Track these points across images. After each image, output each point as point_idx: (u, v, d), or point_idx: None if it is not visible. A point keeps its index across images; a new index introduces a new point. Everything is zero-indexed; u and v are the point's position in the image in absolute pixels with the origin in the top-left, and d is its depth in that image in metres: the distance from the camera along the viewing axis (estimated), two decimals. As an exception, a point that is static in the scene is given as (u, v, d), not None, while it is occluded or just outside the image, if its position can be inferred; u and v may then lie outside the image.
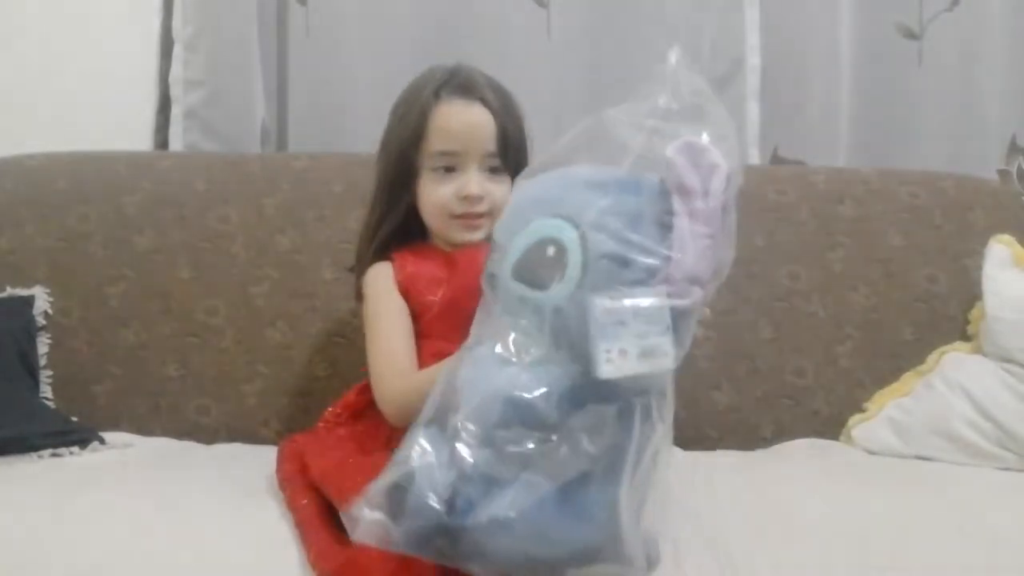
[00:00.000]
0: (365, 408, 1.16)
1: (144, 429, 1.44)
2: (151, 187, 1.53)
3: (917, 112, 1.79)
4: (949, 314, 1.50)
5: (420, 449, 0.80)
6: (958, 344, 1.46)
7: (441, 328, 1.12)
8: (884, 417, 1.41)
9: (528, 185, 0.92)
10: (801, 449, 1.42)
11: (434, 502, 0.78)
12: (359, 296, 1.21)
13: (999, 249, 1.45)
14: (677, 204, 0.82)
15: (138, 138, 1.73)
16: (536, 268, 0.83)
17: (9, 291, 1.46)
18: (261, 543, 0.99)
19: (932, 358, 1.45)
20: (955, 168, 1.68)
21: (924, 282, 1.52)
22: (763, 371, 1.48)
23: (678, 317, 0.82)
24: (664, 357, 0.81)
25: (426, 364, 1.10)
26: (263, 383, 1.46)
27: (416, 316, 1.16)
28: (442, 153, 1.15)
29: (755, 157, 1.78)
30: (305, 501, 1.04)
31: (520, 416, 0.80)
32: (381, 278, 1.18)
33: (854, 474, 1.28)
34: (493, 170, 1.16)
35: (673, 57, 0.87)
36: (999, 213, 1.56)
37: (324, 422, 1.22)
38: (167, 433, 1.44)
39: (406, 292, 1.16)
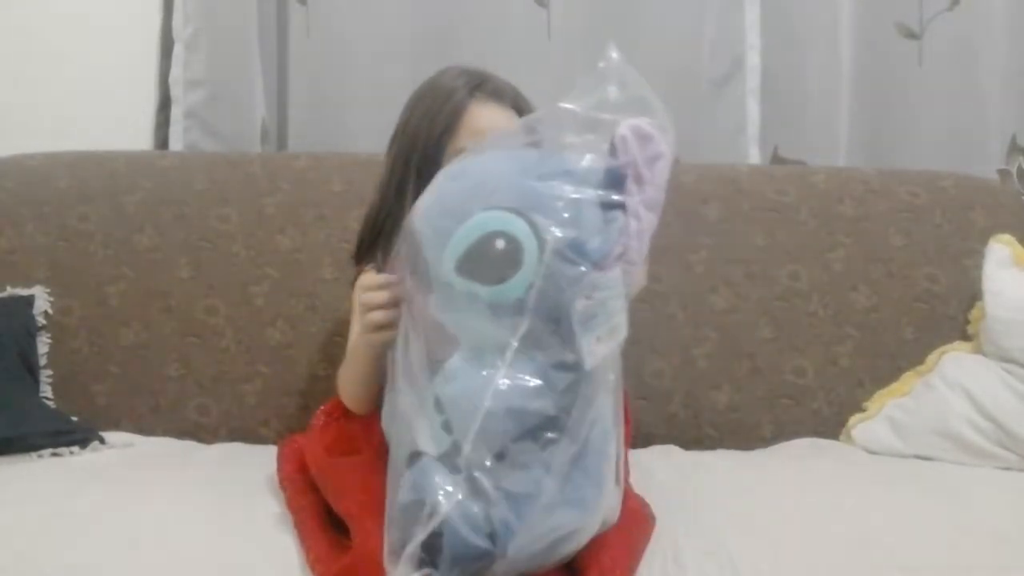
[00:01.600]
0: None
1: (144, 429, 1.44)
2: (151, 186, 1.53)
3: (917, 111, 1.79)
4: (949, 314, 1.50)
5: (443, 491, 0.78)
6: (958, 344, 1.46)
7: None
8: (884, 417, 1.41)
9: (454, 176, 0.88)
10: (801, 449, 1.41)
11: (480, 540, 0.77)
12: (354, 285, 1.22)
13: (999, 249, 1.45)
14: (631, 187, 0.83)
15: (138, 137, 1.73)
16: (485, 262, 0.80)
17: (9, 291, 1.46)
18: (261, 543, 0.99)
19: (932, 358, 1.45)
20: (955, 168, 1.68)
21: (924, 282, 1.52)
22: (763, 371, 1.48)
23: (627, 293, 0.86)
24: (622, 331, 0.86)
25: None
26: (263, 383, 1.46)
27: None
28: None
29: (755, 157, 1.78)
30: (305, 502, 1.04)
31: (525, 422, 0.80)
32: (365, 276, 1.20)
33: (854, 474, 1.28)
34: None
35: (614, 53, 0.87)
36: (999, 213, 1.56)
37: (317, 420, 1.22)
38: (167, 433, 1.44)
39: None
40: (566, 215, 0.81)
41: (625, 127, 0.83)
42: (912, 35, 1.79)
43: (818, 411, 1.47)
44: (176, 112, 1.71)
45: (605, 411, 0.86)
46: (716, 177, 1.59)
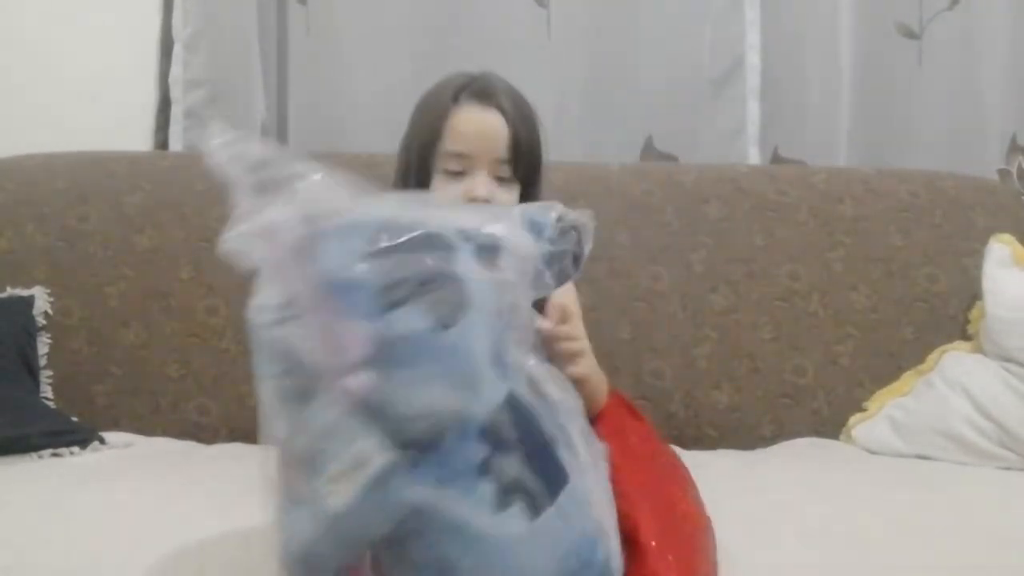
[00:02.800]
0: None
1: (144, 429, 1.44)
2: (151, 187, 1.53)
3: (917, 111, 1.80)
4: (949, 313, 1.50)
5: None
6: (958, 343, 1.46)
7: None
8: (884, 416, 1.41)
9: None
10: (801, 448, 1.41)
11: None
12: None
13: (999, 248, 1.45)
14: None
15: (138, 138, 1.74)
16: None
17: (9, 291, 1.46)
18: (263, 543, 0.98)
19: (932, 357, 1.45)
20: (955, 167, 1.68)
21: (924, 281, 1.52)
22: (763, 371, 1.48)
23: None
24: (375, 456, 0.71)
25: None
26: (263, 383, 1.46)
27: None
28: (453, 154, 1.15)
29: (755, 156, 1.78)
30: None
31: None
32: None
33: (854, 474, 1.28)
34: (502, 178, 1.17)
35: (218, 141, 0.72)
36: (999, 212, 1.56)
37: None
38: (167, 433, 1.44)
39: None
40: None
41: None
42: (912, 35, 1.80)
43: (818, 411, 1.47)
44: (176, 112, 1.72)
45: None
46: (716, 177, 1.59)
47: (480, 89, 1.17)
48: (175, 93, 1.71)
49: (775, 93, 1.78)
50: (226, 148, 0.71)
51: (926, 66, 1.79)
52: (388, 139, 1.66)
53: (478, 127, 1.16)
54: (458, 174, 1.16)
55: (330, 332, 0.68)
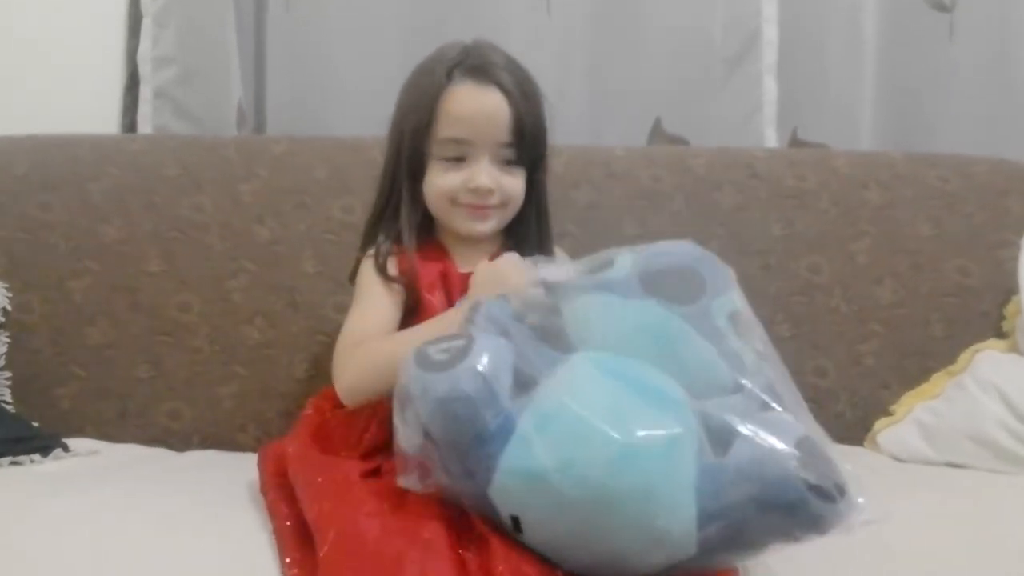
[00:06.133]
0: None
1: (111, 435, 1.44)
2: (118, 173, 1.53)
3: (948, 90, 1.79)
4: (982, 309, 1.50)
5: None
6: (992, 342, 1.46)
7: None
8: (912, 421, 1.41)
9: None
10: (822, 455, 1.41)
11: None
12: (352, 278, 1.23)
13: (1036, 239, 1.45)
14: None
15: (104, 120, 1.73)
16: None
17: (-35, 286, 1.46)
18: (236, 556, 0.98)
19: (964, 357, 1.45)
20: (988, 151, 1.68)
21: (955, 275, 1.52)
22: (781, 371, 1.48)
23: None
24: None
25: None
26: (239, 385, 1.46)
27: (415, 312, 1.16)
28: (451, 140, 1.15)
29: (773, 139, 1.77)
30: (287, 509, 1.04)
31: None
32: (376, 265, 1.20)
33: (880, 483, 1.27)
34: (507, 162, 1.16)
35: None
36: (1036, 200, 1.57)
37: (306, 410, 1.21)
38: (136, 439, 1.44)
39: (409, 282, 1.17)
40: None
41: None
42: (942, 7, 1.80)
43: (841, 414, 1.47)
44: (145, 92, 1.71)
45: None
46: (730, 162, 1.58)
47: (476, 64, 1.16)
48: (144, 71, 1.70)
49: (794, 70, 1.77)
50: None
51: (958, 41, 1.79)
52: (375, 121, 1.64)
53: (476, 108, 1.14)
54: (457, 161, 1.15)
55: None
